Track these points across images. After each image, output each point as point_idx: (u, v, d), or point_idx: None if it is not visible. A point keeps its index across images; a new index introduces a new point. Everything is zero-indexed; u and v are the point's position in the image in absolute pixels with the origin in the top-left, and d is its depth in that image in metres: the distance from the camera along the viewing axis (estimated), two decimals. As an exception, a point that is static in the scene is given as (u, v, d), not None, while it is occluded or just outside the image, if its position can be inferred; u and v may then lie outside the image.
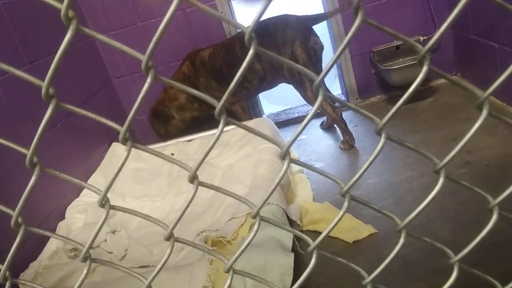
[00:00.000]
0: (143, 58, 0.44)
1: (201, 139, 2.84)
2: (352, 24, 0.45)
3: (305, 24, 2.46)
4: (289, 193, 2.16)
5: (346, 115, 3.08)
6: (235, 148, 2.56)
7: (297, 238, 1.65)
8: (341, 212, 0.51)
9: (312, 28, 2.50)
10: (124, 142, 0.48)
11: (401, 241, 0.55)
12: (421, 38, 2.93)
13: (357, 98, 3.19)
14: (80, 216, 2.12)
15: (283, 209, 1.78)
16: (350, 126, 2.89)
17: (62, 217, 2.15)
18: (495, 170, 1.98)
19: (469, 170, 2.02)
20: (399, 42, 2.97)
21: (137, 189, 2.42)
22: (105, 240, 1.87)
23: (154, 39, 0.42)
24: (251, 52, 0.44)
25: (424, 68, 0.46)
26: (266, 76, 2.62)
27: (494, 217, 0.55)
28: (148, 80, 0.45)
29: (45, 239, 1.94)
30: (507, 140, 2.15)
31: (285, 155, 0.48)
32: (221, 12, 2.91)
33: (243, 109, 2.81)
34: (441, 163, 0.52)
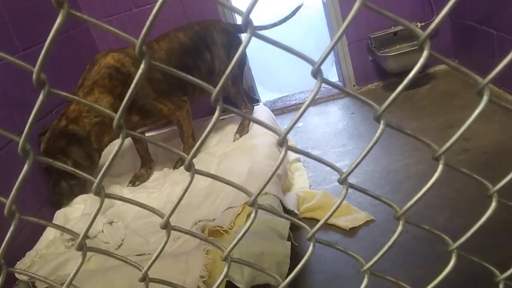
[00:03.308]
0: (137, 43, 0.43)
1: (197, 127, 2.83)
2: (350, 10, 0.44)
3: (231, 29, 2.52)
4: (286, 182, 2.16)
5: (344, 102, 3.08)
6: (231, 137, 2.55)
7: (291, 229, 1.65)
8: (340, 200, 0.51)
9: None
10: (118, 129, 0.47)
11: (400, 228, 0.55)
12: (419, 24, 2.90)
13: (354, 85, 3.18)
14: (78, 206, 2.11)
15: (280, 199, 1.78)
16: (347, 113, 2.89)
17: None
18: (493, 157, 1.98)
19: (466, 157, 2.02)
20: (396, 29, 2.95)
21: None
22: (102, 231, 1.87)
23: (148, 23, 0.41)
24: (248, 36, 0.43)
25: (425, 53, 0.45)
26: (214, 72, 2.47)
27: (493, 204, 0.54)
28: (142, 66, 0.44)
29: (42, 228, 1.94)
30: (504, 127, 2.16)
31: (282, 142, 0.48)
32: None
33: (188, 113, 2.39)
34: (440, 149, 0.51)
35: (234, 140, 2.53)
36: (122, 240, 1.83)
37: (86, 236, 0.55)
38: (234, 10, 0.46)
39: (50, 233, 1.91)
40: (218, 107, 0.47)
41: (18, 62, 0.45)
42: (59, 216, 2.04)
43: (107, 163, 0.49)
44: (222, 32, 2.46)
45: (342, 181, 0.51)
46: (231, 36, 2.48)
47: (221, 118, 2.69)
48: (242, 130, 2.56)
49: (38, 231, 1.92)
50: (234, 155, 2.27)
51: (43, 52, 0.42)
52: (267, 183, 0.49)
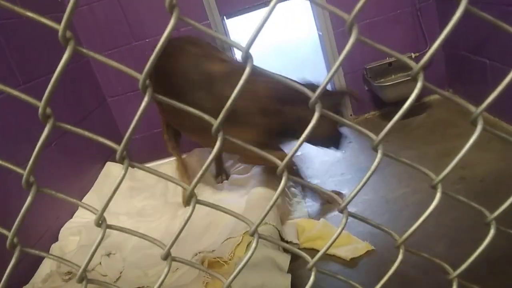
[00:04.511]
0: (141, 77, 0.44)
1: (198, 157, 2.84)
2: (345, 42, 0.46)
3: None
4: (284, 210, 2.15)
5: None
6: (231, 165, 2.56)
7: (291, 260, 1.63)
8: (340, 228, 0.51)
9: None
10: (121, 160, 0.48)
11: (400, 257, 0.55)
12: (413, 55, 2.97)
13: (351, 115, 3.21)
14: (74, 238, 2.09)
15: (279, 230, 1.77)
16: (345, 143, 2.90)
17: (55, 238, 2.12)
18: (490, 185, 1.99)
19: (463, 186, 2.03)
20: (391, 59, 3.01)
21: (131, 210, 2.40)
22: (100, 263, 1.84)
23: (152, 58, 0.43)
24: (247, 70, 0.45)
25: (419, 84, 0.47)
26: None
27: (492, 231, 0.55)
28: (146, 99, 0.45)
29: (38, 262, 1.91)
30: (500, 155, 2.17)
31: (282, 171, 0.48)
32: (215, 30, 2.94)
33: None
34: (438, 178, 0.52)
35: (218, 183, 2.48)
36: (121, 273, 1.81)
37: (87, 267, 0.55)
38: (234, 45, 0.48)
39: (46, 267, 1.88)
40: (219, 138, 0.48)
41: (25, 97, 0.47)
42: (55, 249, 2.02)
43: (110, 194, 0.50)
44: None
45: (342, 210, 0.52)
46: None
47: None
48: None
49: (34, 265, 1.89)
50: (231, 185, 2.27)
51: (49, 87, 0.43)
52: (267, 212, 0.49)
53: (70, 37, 0.43)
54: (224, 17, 3.02)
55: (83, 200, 2.41)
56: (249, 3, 2.97)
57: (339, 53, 2.99)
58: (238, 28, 3.33)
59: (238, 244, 1.66)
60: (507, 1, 2.05)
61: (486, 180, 2.03)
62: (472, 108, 0.50)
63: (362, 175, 2.46)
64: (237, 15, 3.05)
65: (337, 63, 0.45)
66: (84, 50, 0.44)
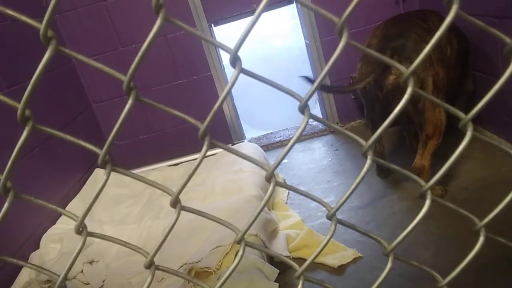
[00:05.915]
0: (125, 78, 0.43)
1: (187, 164, 2.81)
2: (332, 50, 0.45)
3: None
4: (274, 225, 2.11)
5: (328, 139, 3.11)
6: (219, 172, 2.53)
7: (279, 271, 1.62)
8: (329, 235, 0.50)
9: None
10: (103, 165, 0.46)
11: (389, 264, 0.54)
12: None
13: (337, 123, 3.22)
14: (55, 246, 2.03)
15: (263, 240, 1.75)
16: (331, 150, 2.91)
17: (37, 246, 2.07)
18: (474, 193, 2.00)
19: (448, 194, 2.04)
20: (377, 68, 3.02)
21: (116, 216, 2.36)
22: (82, 271, 1.80)
23: (137, 59, 0.41)
24: (236, 72, 0.44)
25: (409, 90, 0.46)
26: None
27: (481, 238, 0.54)
28: (130, 101, 0.43)
29: (17, 270, 1.86)
30: (483, 164, 2.19)
31: (270, 177, 0.47)
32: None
33: None
34: (427, 185, 0.52)
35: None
36: (103, 281, 1.77)
37: (66, 276, 0.53)
38: (222, 47, 0.47)
39: (25, 275, 1.83)
40: (205, 142, 0.46)
41: (3, 99, 0.45)
42: (35, 258, 1.97)
43: (92, 199, 0.48)
44: None
45: (331, 217, 0.51)
46: None
47: (209, 154, 2.69)
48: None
49: (13, 274, 1.84)
50: (220, 192, 2.25)
51: (29, 88, 0.41)
52: (255, 218, 0.48)
53: (52, 36, 0.41)
54: (212, 25, 3.02)
55: (67, 207, 2.36)
56: (236, 11, 2.98)
57: (326, 61, 3.00)
58: (225, 36, 3.34)
59: (227, 253, 1.64)
60: (491, 13, 2.09)
61: (470, 188, 2.05)
62: (461, 114, 0.50)
63: (348, 182, 2.46)
64: (224, 23, 3.07)
65: (329, 64, 0.44)
66: (67, 50, 0.42)
